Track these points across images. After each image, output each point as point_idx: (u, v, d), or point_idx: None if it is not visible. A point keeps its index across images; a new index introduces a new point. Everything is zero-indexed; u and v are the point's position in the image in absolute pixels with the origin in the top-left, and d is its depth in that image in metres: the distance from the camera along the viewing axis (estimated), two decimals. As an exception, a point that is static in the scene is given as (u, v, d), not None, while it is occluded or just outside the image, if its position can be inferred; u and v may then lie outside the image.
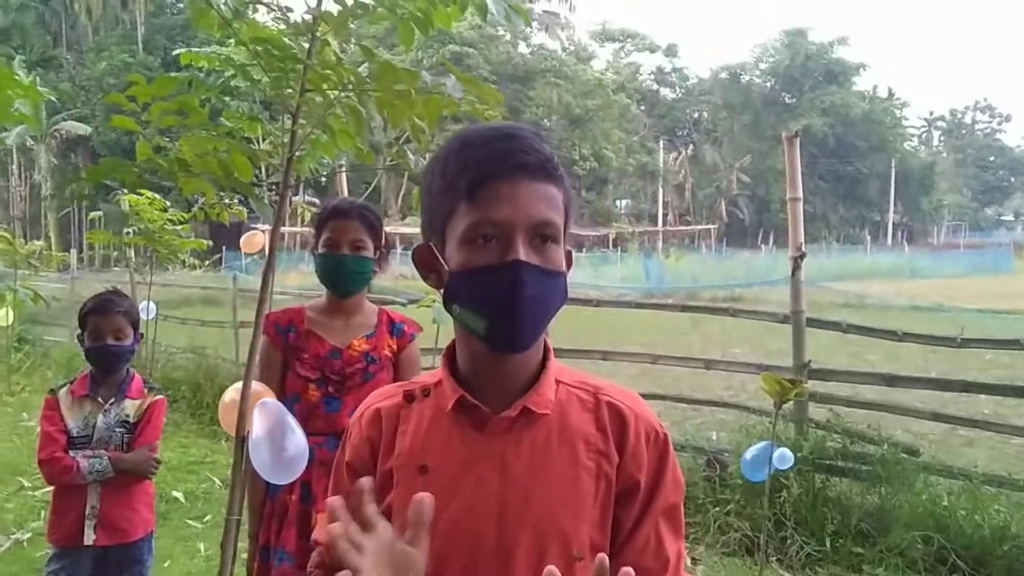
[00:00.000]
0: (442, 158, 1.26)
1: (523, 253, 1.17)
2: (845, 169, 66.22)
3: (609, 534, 1.25)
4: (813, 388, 5.33)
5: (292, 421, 2.48)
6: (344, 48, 3.05)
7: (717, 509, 5.22)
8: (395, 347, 2.89)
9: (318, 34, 2.41)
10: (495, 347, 1.22)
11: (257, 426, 2.43)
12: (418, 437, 1.32)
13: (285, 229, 2.69)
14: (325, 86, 2.47)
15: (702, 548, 5.04)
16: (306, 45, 2.48)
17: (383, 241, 2.90)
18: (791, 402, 4.66)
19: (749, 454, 4.43)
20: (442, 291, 1.27)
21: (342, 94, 2.49)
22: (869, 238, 60.34)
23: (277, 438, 2.41)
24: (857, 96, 69.16)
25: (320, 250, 2.80)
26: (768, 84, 72.31)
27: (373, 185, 18.40)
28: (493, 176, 1.19)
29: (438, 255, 1.27)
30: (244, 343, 9.54)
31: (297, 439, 2.45)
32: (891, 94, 76.24)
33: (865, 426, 5.41)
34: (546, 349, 1.32)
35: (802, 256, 5.38)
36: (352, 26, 2.57)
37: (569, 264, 1.27)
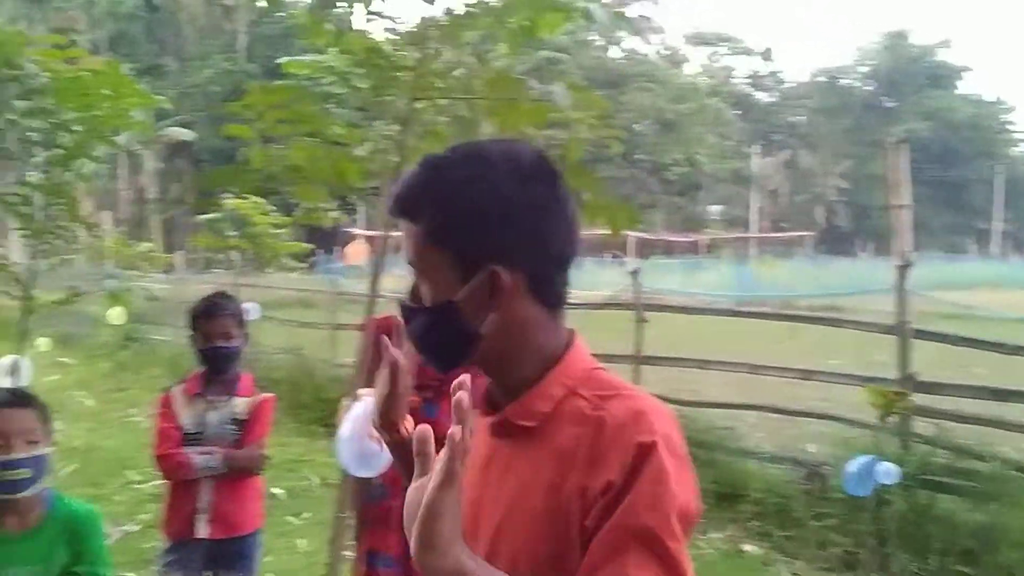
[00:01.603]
0: None
1: (404, 291, 1.30)
2: (949, 175, 63.91)
3: (577, 558, 1.13)
4: (919, 401, 5.18)
5: None
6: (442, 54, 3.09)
7: (816, 523, 5.11)
8: None
9: (429, 43, 2.45)
10: None
11: (346, 421, 2.47)
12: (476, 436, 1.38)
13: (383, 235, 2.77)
14: (434, 95, 2.51)
15: (802, 563, 4.94)
16: (416, 54, 2.53)
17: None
18: (895, 415, 4.54)
19: (852, 467, 4.34)
20: None
21: (451, 102, 2.53)
22: (975, 247, 58.19)
23: (362, 431, 2.44)
24: (961, 100, 66.85)
25: None
26: (868, 88, 70.48)
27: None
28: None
29: None
30: (341, 344, 9.74)
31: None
32: (997, 98, 73.52)
33: (973, 442, 5.23)
34: (560, 360, 1.27)
35: (908, 265, 5.24)
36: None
37: (494, 286, 1.21)
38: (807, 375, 6.15)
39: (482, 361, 1.28)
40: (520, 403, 1.25)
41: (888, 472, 4.28)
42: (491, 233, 1.21)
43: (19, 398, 2.42)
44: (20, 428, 2.29)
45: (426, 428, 1.06)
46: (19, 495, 2.29)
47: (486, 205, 1.21)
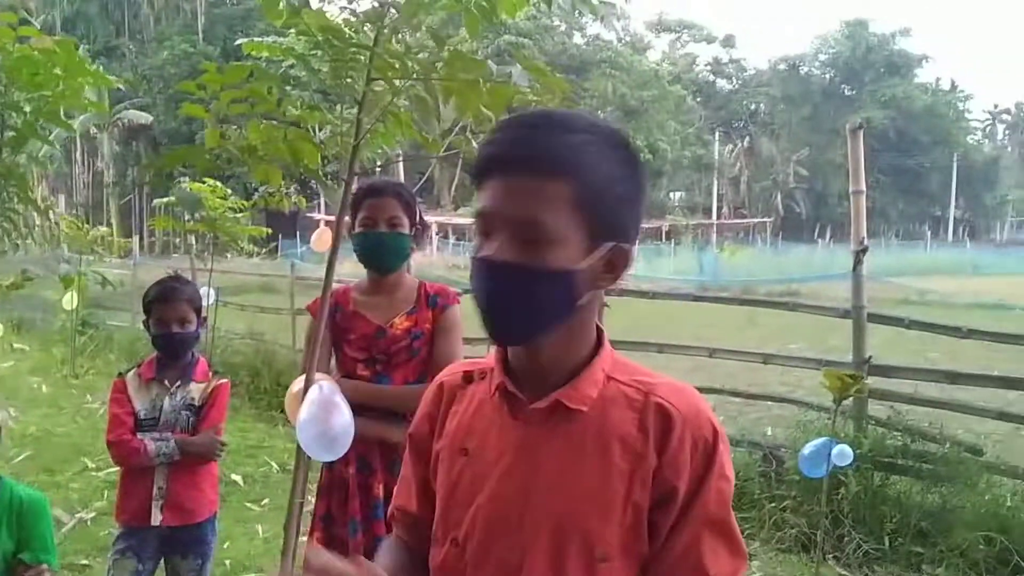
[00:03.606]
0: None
1: (496, 249, 1.17)
2: (906, 163, 64.89)
3: (644, 539, 1.21)
4: (873, 385, 5.24)
5: (340, 399, 2.50)
6: (402, 38, 3.07)
7: (773, 505, 5.16)
8: (432, 319, 2.89)
9: (386, 23, 2.43)
10: (490, 337, 1.25)
11: (304, 405, 2.46)
12: (465, 419, 1.35)
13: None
14: (391, 75, 2.48)
15: (757, 544, 4.99)
16: (371, 34, 2.50)
17: (418, 218, 2.93)
18: (851, 398, 4.60)
19: (807, 450, 4.38)
20: None
21: (408, 83, 2.50)
22: (930, 234, 59.16)
23: (322, 416, 2.44)
24: (919, 88, 67.81)
25: (357, 229, 2.84)
26: (828, 76, 71.23)
27: (427, 175, 18.48)
28: (487, 170, 1.21)
29: None
30: (301, 329, 9.66)
31: (342, 418, 2.46)
32: (954, 87, 74.46)
33: (927, 424, 5.31)
34: (599, 344, 1.30)
35: (864, 250, 5.30)
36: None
37: (624, 263, 1.23)
38: (766, 359, 6.20)
39: (546, 339, 1.24)
40: (574, 387, 1.25)
41: (842, 454, 4.32)
42: (630, 208, 1.24)
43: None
44: None
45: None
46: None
47: (630, 179, 1.23)
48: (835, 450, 4.28)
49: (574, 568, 1.20)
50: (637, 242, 1.28)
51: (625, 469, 1.21)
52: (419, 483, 1.43)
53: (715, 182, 64.63)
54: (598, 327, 1.31)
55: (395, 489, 1.50)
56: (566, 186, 1.15)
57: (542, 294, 1.18)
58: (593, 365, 1.26)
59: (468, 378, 1.40)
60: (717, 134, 66.36)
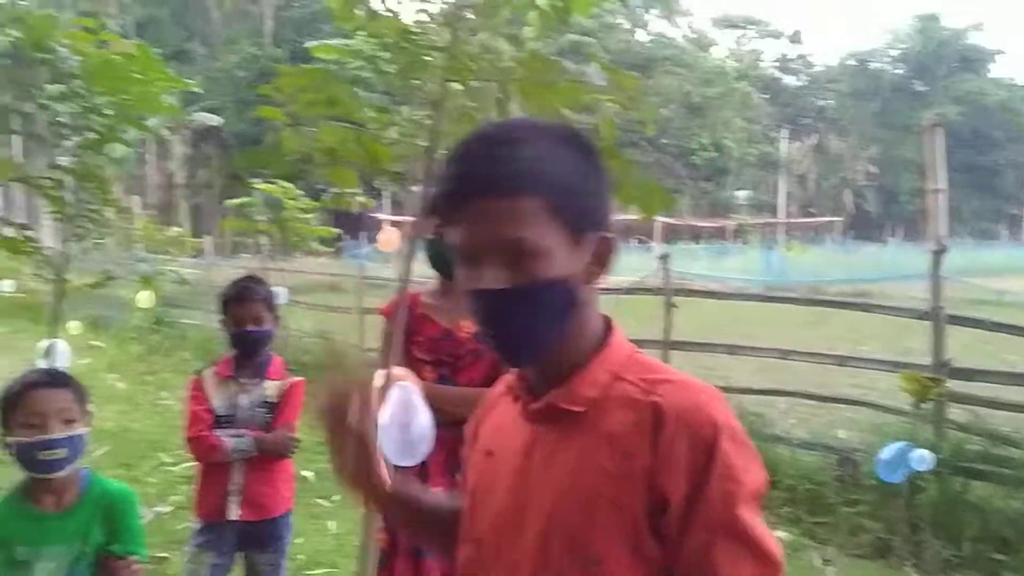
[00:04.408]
0: None
1: (490, 278, 1.16)
2: (980, 160, 63.04)
3: (648, 542, 1.15)
4: (953, 388, 5.12)
5: (419, 402, 2.50)
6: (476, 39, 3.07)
7: (848, 509, 5.07)
8: None
9: (462, 24, 2.43)
10: (508, 364, 1.26)
11: (384, 409, 2.46)
12: (495, 422, 1.38)
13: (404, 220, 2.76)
14: (467, 76, 2.49)
15: (833, 549, 4.91)
16: (446, 35, 2.50)
17: None
18: (929, 402, 4.50)
19: (886, 454, 4.29)
20: None
21: (484, 84, 2.50)
22: (1006, 233, 57.44)
23: (402, 419, 2.44)
24: (993, 84, 65.81)
25: (431, 234, 2.86)
26: (898, 71, 69.59)
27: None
28: (453, 199, 1.19)
29: None
30: (368, 329, 9.76)
31: (421, 420, 2.47)
32: (1031, 82, 72.17)
33: (1008, 428, 5.17)
34: (605, 344, 1.27)
35: (943, 250, 5.17)
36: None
37: (608, 250, 1.23)
38: (841, 361, 6.10)
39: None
40: (567, 388, 1.24)
41: (922, 459, 4.23)
42: (599, 197, 1.24)
43: (56, 379, 2.43)
44: (57, 408, 2.31)
45: None
46: (55, 475, 2.31)
47: (590, 170, 1.23)
48: (915, 455, 4.18)
49: (568, 570, 1.18)
50: (613, 227, 1.27)
51: (612, 471, 1.17)
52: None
53: (782, 180, 63.57)
54: (611, 324, 1.30)
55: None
56: (537, 198, 1.15)
57: (545, 308, 1.19)
58: (592, 365, 1.24)
59: (510, 385, 1.40)
60: (784, 131, 65.26)
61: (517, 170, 1.16)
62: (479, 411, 1.46)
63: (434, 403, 2.75)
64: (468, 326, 2.87)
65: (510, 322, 1.19)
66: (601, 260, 1.23)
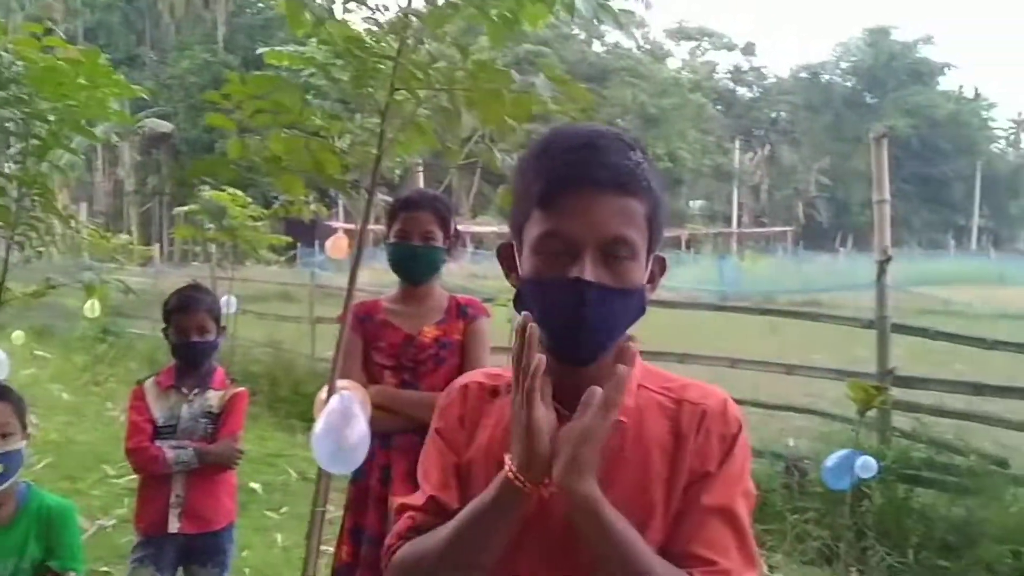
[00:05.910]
0: (524, 160, 1.28)
1: (589, 271, 1.17)
2: (929, 172, 64.32)
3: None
4: (898, 396, 5.20)
5: (358, 410, 2.49)
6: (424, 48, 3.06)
7: (795, 517, 5.11)
8: (463, 330, 2.93)
9: (409, 33, 2.42)
10: (558, 358, 1.23)
11: (321, 417, 2.45)
12: (498, 433, 1.33)
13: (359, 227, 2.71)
14: (415, 85, 2.48)
15: (779, 556, 4.94)
16: (395, 44, 2.49)
17: (453, 231, 2.97)
18: (874, 410, 4.55)
19: (831, 461, 4.33)
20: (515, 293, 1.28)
21: (432, 93, 2.49)
22: (953, 243, 58.61)
23: (338, 427, 2.43)
24: (943, 96, 67.27)
25: (392, 240, 2.88)
26: (850, 84, 70.87)
27: (445, 184, 18.53)
28: (565, 188, 1.19)
29: (516, 256, 1.28)
30: (320, 338, 9.69)
31: (359, 428, 2.45)
32: (978, 95, 73.78)
33: (952, 436, 5.26)
34: (632, 354, 1.28)
35: (888, 260, 5.25)
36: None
37: (662, 270, 1.29)
38: (790, 369, 6.16)
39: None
40: None
41: (867, 466, 4.27)
42: (667, 221, 1.30)
43: (-8, 391, 2.37)
44: None
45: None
46: (-9, 490, 2.25)
47: (665, 192, 1.30)
48: (859, 462, 4.23)
49: None
50: None
51: (665, 475, 1.24)
52: (456, 476, 1.39)
53: (735, 191, 64.33)
54: (629, 336, 1.31)
55: (421, 480, 1.41)
56: (642, 203, 1.20)
57: (623, 312, 1.22)
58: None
59: (494, 392, 1.38)
60: (737, 142, 66.05)
61: (633, 170, 1.19)
62: (459, 407, 1.40)
63: (396, 407, 2.75)
64: (430, 332, 2.88)
65: (593, 318, 1.19)
66: (654, 278, 1.28)
